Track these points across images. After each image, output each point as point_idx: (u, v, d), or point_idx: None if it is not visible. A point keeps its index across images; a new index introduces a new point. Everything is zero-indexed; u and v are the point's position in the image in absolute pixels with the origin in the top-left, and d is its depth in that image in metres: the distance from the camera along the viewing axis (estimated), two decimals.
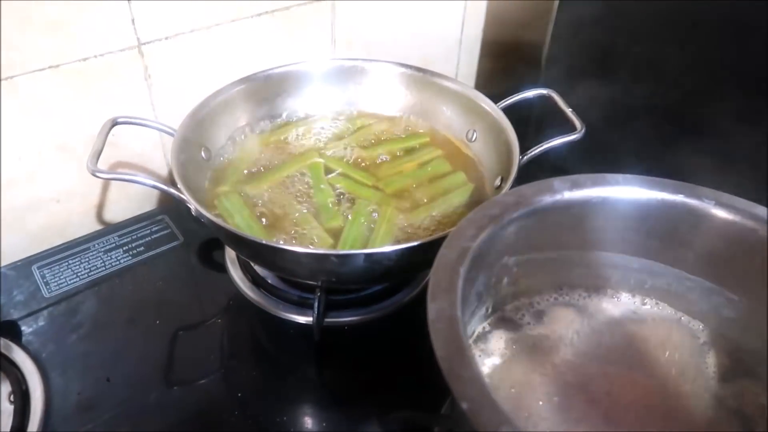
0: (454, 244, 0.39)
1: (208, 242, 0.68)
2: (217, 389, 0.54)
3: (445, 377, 0.31)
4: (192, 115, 0.60)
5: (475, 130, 0.65)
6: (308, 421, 0.52)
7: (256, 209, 0.58)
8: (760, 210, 0.42)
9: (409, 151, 0.66)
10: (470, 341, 0.44)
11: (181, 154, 0.56)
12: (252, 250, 0.51)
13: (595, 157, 0.65)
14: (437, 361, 0.32)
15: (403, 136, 0.68)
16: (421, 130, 0.69)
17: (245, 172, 0.63)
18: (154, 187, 0.53)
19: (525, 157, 0.57)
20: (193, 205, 0.51)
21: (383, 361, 0.57)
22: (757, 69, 0.58)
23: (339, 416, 0.53)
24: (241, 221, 0.55)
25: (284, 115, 0.70)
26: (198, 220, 0.54)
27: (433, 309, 0.35)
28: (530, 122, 0.76)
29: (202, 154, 0.61)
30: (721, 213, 0.43)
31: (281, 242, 0.53)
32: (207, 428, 0.51)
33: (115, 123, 0.58)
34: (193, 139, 0.60)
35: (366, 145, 0.67)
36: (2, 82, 0.59)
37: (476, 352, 0.45)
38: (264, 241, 0.47)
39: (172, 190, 0.52)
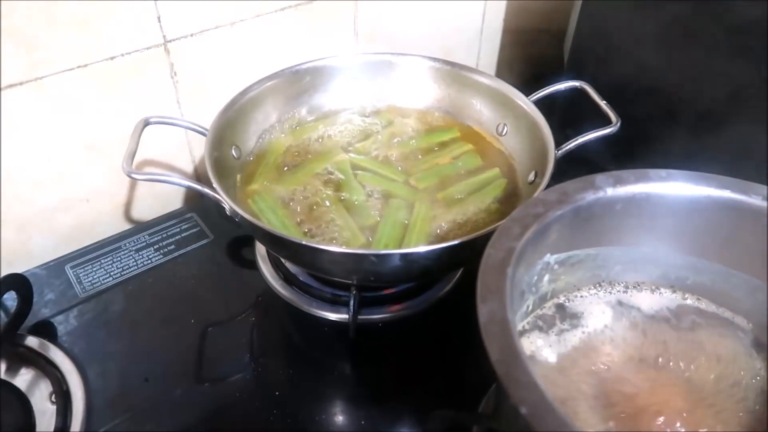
0: (500, 243, 0.39)
1: (238, 239, 0.68)
2: (250, 384, 0.54)
3: (502, 381, 0.31)
4: (223, 113, 0.60)
5: (505, 124, 0.64)
6: (346, 420, 0.52)
7: (288, 208, 0.58)
8: None
9: (439, 146, 0.66)
10: None
11: (213, 153, 0.56)
12: (289, 250, 0.51)
13: (624, 150, 0.64)
14: (492, 365, 0.32)
15: (433, 130, 0.68)
16: (450, 125, 0.68)
17: (277, 170, 0.62)
18: (189, 187, 0.53)
19: (560, 152, 0.56)
20: (229, 205, 0.51)
21: (418, 358, 0.57)
22: None
23: (376, 413, 0.53)
24: (275, 220, 0.55)
25: (313, 111, 0.70)
26: (229, 218, 0.54)
27: (484, 311, 0.35)
28: (554, 114, 0.75)
29: (233, 152, 0.61)
30: None
31: (319, 243, 0.53)
32: (240, 420, 0.51)
33: (147, 123, 0.58)
34: (224, 137, 0.59)
35: (395, 141, 0.66)
36: (31, 83, 0.59)
37: None
38: (303, 242, 0.47)
39: (207, 190, 0.52)
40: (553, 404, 0.30)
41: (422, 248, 0.45)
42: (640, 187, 0.44)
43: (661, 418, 0.40)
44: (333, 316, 0.59)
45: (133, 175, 0.50)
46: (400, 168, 0.63)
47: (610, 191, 0.44)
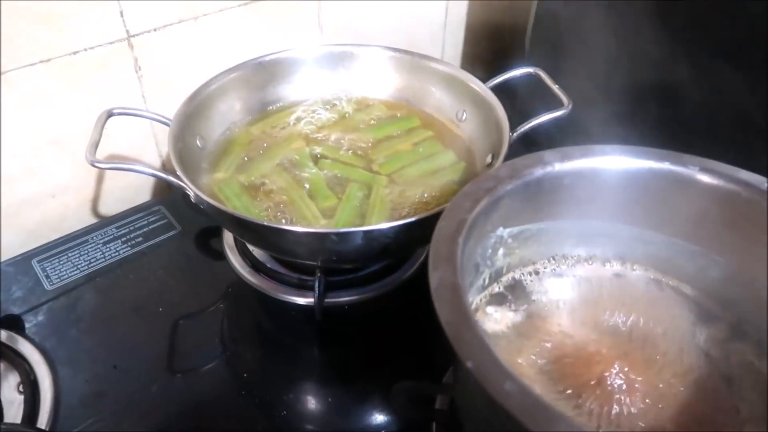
0: (451, 216, 0.41)
1: (206, 230, 0.69)
2: (223, 373, 0.55)
3: (450, 340, 0.33)
4: (186, 103, 0.61)
5: (464, 110, 0.66)
6: (313, 399, 0.54)
7: (253, 194, 0.59)
8: (743, 174, 0.44)
9: (401, 134, 0.67)
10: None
11: (177, 143, 0.57)
12: (253, 233, 0.52)
13: (581, 134, 0.67)
14: (442, 326, 0.34)
15: (394, 119, 0.69)
16: (411, 113, 0.70)
17: (241, 159, 0.64)
18: (153, 175, 0.54)
19: (515, 134, 0.58)
20: (193, 191, 0.52)
21: (384, 338, 0.58)
22: (735, 39, 0.60)
23: (343, 392, 0.54)
24: (240, 206, 0.56)
25: (276, 102, 0.71)
26: (195, 208, 0.55)
27: (435, 277, 0.36)
28: (517, 101, 0.77)
29: (198, 142, 0.62)
30: (705, 178, 0.45)
31: (281, 224, 0.54)
32: (215, 409, 0.52)
33: (110, 114, 0.58)
34: (188, 127, 0.60)
35: (357, 129, 0.68)
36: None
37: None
38: (265, 223, 0.48)
39: (172, 178, 0.53)
40: (499, 360, 0.32)
41: (381, 225, 0.47)
42: (585, 162, 0.46)
43: (610, 382, 0.42)
44: (301, 301, 0.60)
45: (96, 164, 0.51)
46: (361, 155, 0.64)
47: (558, 166, 0.46)
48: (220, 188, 0.59)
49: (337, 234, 0.47)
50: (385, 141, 0.66)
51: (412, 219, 0.47)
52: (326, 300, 0.59)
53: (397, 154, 0.64)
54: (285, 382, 0.55)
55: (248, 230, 0.51)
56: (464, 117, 0.67)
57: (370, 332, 0.59)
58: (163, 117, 0.61)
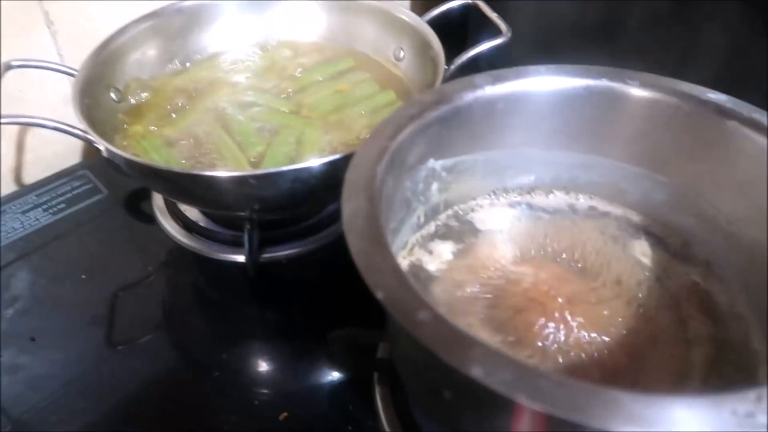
0: (371, 144, 0.37)
1: (134, 193, 0.64)
2: (162, 341, 0.52)
3: (360, 270, 0.30)
4: (95, 54, 0.56)
5: (402, 48, 0.62)
6: (252, 356, 0.51)
7: (176, 148, 0.55)
8: (683, 86, 0.41)
9: (335, 76, 0.63)
10: (396, 242, 0.42)
11: (85, 96, 0.52)
12: (169, 184, 0.48)
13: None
14: (352, 258, 0.30)
15: (327, 61, 0.65)
16: (345, 54, 0.66)
17: (164, 111, 0.59)
18: (56, 128, 0.49)
19: (453, 67, 0.55)
20: (103, 145, 0.47)
21: (326, 291, 0.55)
22: None
23: (284, 347, 0.52)
24: (160, 159, 0.52)
25: (200, 51, 0.66)
26: (119, 169, 0.50)
27: (348, 208, 0.33)
28: (462, 37, 0.73)
29: (112, 95, 0.57)
30: (645, 93, 0.42)
31: (195, 169, 0.50)
32: (153, 378, 0.49)
33: (9, 67, 0.53)
34: (99, 79, 0.56)
35: (288, 74, 0.63)
36: None
37: (411, 261, 0.44)
38: (177, 169, 0.44)
39: (77, 131, 0.48)
40: (412, 288, 0.29)
41: (302, 164, 0.43)
42: (519, 84, 0.43)
43: (555, 315, 0.39)
44: (238, 258, 0.57)
45: None
46: (293, 101, 0.60)
47: (489, 90, 0.43)
48: (138, 142, 0.55)
49: (255, 176, 0.43)
50: (318, 85, 0.62)
51: (337, 156, 0.44)
52: (264, 255, 0.56)
53: (332, 98, 0.60)
54: (225, 344, 0.51)
55: (163, 180, 0.47)
56: (402, 56, 0.63)
57: (311, 286, 0.56)
58: (71, 69, 0.56)
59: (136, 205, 0.64)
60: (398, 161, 0.38)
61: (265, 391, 0.48)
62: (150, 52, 0.62)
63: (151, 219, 0.62)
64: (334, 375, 0.49)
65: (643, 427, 0.23)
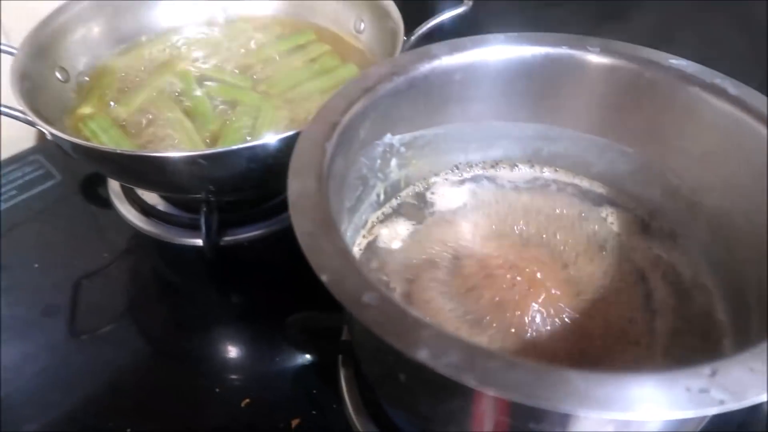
0: (321, 119, 0.35)
1: (90, 178, 0.62)
2: (123, 330, 0.50)
3: (305, 252, 0.28)
4: (35, 33, 0.53)
5: (362, 20, 0.60)
6: (214, 342, 0.50)
7: (128, 128, 0.53)
8: (644, 52, 0.40)
9: (295, 51, 0.61)
10: (351, 223, 0.40)
11: (26, 77, 0.49)
12: (116, 166, 0.45)
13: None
14: (298, 240, 0.29)
15: (286, 35, 0.63)
16: (305, 27, 0.63)
17: (114, 90, 0.56)
18: None
19: (413, 38, 0.53)
20: (44, 128, 0.45)
21: (289, 274, 0.53)
22: None
23: (246, 332, 0.51)
24: (108, 141, 0.50)
25: (152, 28, 0.63)
26: (69, 153, 0.48)
27: (294, 187, 0.31)
28: (425, 7, 0.71)
29: (58, 75, 0.54)
30: (605, 60, 0.40)
31: (141, 150, 0.48)
32: (114, 368, 0.48)
33: None
34: (42, 59, 0.53)
35: (246, 49, 0.61)
36: None
37: (371, 240, 0.43)
38: (122, 151, 0.42)
39: (17, 113, 0.46)
40: (359, 270, 0.27)
41: (255, 142, 0.41)
42: (477, 54, 0.41)
43: (513, 286, 0.38)
44: (198, 242, 0.55)
45: None
46: (255, 77, 0.58)
47: (446, 60, 0.41)
48: (86, 124, 0.52)
49: (205, 156, 0.41)
50: (277, 60, 0.60)
51: (291, 133, 0.42)
52: (225, 238, 0.54)
53: (291, 73, 0.58)
54: (187, 331, 0.50)
55: (111, 165, 0.45)
56: (362, 27, 0.60)
57: (274, 269, 0.55)
58: (13, 48, 0.53)
59: (92, 190, 0.61)
60: (350, 137, 0.37)
61: (227, 377, 0.47)
62: (96, 29, 0.59)
63: (107, 204, 0.59)
64: (298, 359, 0.48)
65: (593, 408, 0.22)
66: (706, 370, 0.23)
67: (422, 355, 0.24)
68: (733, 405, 0.22)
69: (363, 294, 0.26)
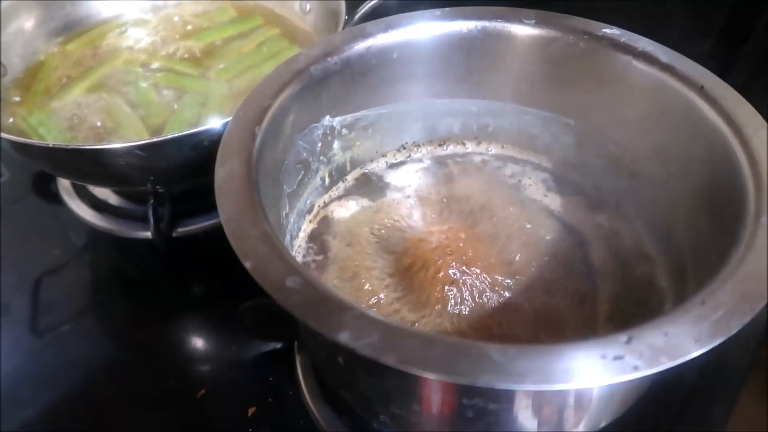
0: (251, 103, 0.35)
1: (40, 174, 0.60)
2: (81, 328, 0.50)
3: (229, 238, 0.28)
4: None
5: (308, 1, 0.59)
6: (168, 334, 0.49)
7: (70, 122, 0.51)
8: (577, 22, 0.40)
9: (244, 35, 0.60)
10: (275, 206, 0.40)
11: None
12: (53, 161, 0.44)
13: None
14: (223, 226, 0.29)
15: (233, 19, 0.61)
16: (252, 11, 0.62)
17: (56, 82, 0.55)
18: None
19: (356, 17, 0.52)
20: None
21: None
22: None
23: (201, 323, 0.50)
24: (47, 135, 0.49)
25: (91, 16, 0.61)
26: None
27: (221, 172, 0.31)
28: None
29: None
30: (541, 31, 0.40)
31: (74, 144, 0.47)
32: (77, 360, 0.47)
33: None
34: None
35: (192, 35, 0.60)
36: None
37: (316, 224, 0.42)
38: (55, 145, 0.40)
39: None
40: (284, 254, 0.27)
41: (194, 129, 0.40)
42: (413, 30, 0.41)
43: (456, 263, 0.38)
44: (150, 235, 0.54)
45: None
46: (200, 63, 0.57)
47: (382, 38, 0.40)
48: (24, 118, 0.51)
49: (141, 147, 0.40)
50: (224, 45, 0.59)
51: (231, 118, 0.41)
52: (178, 230, 0.53)
53: (239, 57, 0.57)
54: (142, 324, 0.49)
55: (48, 160, 0.44)
56: (308, 8, 0.59)
57: (229, 259, 0.54)
58: None
59: (43, 186, 0.60)
60: (285, 120, 0.36)
61: (183, 369, 0.47)
62: (30, 21, 0.57)
63: (56, 199, 0.58)
64: (255, 348, 0.47)
65: (511, 381, 0.22)
66: (622, 337, 0.23)
67: (343, 337, 0.24)
68: (647, 371, 0.22)
69: (286, 279, 0.26)
